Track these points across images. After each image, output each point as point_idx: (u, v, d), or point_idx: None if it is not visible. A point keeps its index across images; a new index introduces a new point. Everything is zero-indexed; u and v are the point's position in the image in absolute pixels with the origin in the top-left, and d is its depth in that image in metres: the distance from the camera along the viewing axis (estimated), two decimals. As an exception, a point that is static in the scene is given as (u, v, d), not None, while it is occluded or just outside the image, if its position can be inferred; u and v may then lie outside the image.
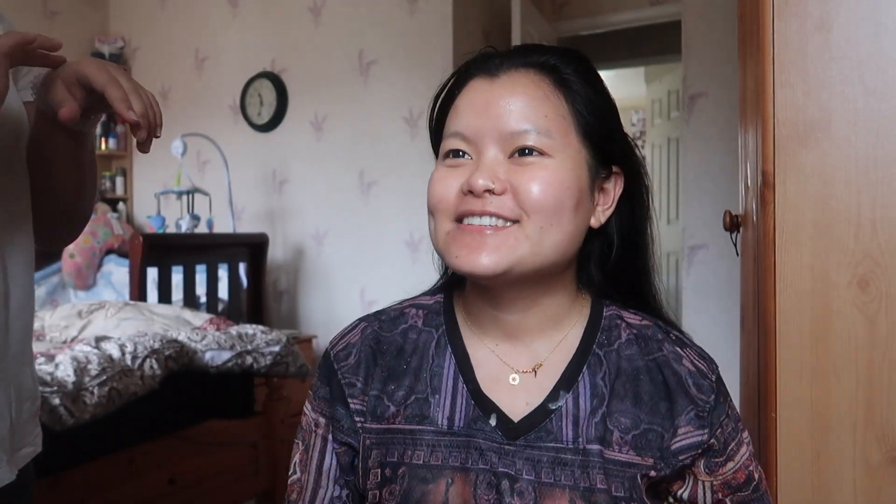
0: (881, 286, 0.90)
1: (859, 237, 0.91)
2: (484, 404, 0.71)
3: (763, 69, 0.95)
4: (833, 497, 0.93)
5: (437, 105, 0.77)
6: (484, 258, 0.66)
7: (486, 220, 0.67)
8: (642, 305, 0.77)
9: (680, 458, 0.68)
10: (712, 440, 0.69)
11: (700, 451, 0.69)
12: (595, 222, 0.73)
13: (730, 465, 0.71)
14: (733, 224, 1.43)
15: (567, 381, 0.71)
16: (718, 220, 1.50)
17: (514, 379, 0.72)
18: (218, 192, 3.55)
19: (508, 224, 0.67)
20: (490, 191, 0.66)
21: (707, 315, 2.98)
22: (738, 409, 0.73)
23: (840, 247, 0.92)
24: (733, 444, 0.71)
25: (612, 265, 0.76)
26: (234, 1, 3.72)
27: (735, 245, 1.52)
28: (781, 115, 0.94)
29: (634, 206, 0.76)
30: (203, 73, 3.84)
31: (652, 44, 4.36)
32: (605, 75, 5.98)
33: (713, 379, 0.71)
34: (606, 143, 0.72)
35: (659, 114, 4.76)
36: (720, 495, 0.71)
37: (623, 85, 6.34)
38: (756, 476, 0.72)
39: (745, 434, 0.72)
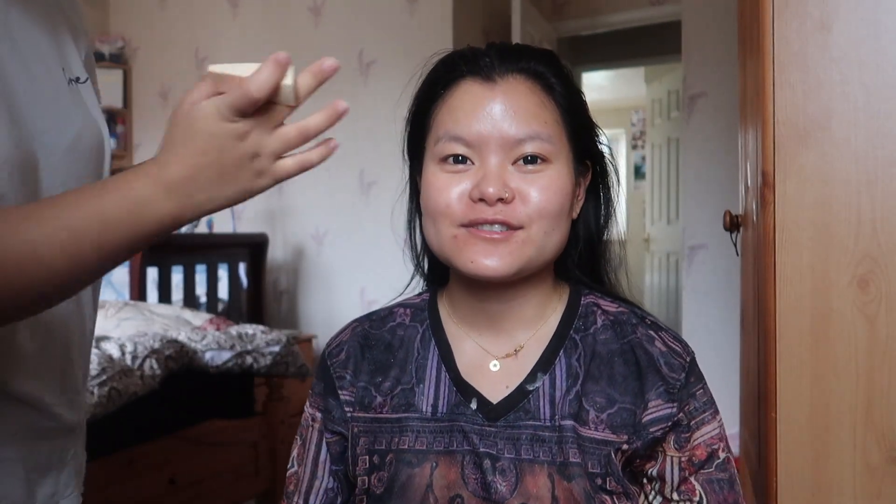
0: (881, 286, 0.90)
1: (859, 237, 0.91)
2: (465, 390, 0.74)
3: (763, 69, 0.95)
4: (833, 497, 0.93)
5: (418, 103, 0.78)
6: (496, 263, 0.69)
7: (496, 227, 0.70)
8: (601, 285, 0.82)
9: (651, 430, 0.71)
10: (681, 414, 0.72)
11: (670, 424, 0.71)
12: (574, 214, 0.77)
13: (693, 440, 0.73)
14: (733, 224, 1.43)
15: (544, 363, 0.74)
16: (718, 220, 1.50)
17: (494, 365, 0.76)
18: (218, 192, 3.55)
19: (515, 230, 0.70)
20: (501, 199, 0.69)
21: (707, 315, 2.98)
22: (733, 404, 0.72)
23: (840, 247, 0.92)
24: (697, 419, 0.73)
25: (580, 253, 0.80)
26: (234, 1, 3.72)
27: (735, 245, 1.53)
28: (781, 115, 0.94)
29: (600, 196, 0.81)
30: (203, 73, 3.84)
31: (652, 44, 4.36)
32: (605, 75, 6.00)
33: (686, 360, 0.74)
34: (584, 141, 0.77)
35: (659, 114, 4.76)
36: (686, 472, 0.72)
37: (623, 85, 6.34)
38: (721, 455, 0.73)
39: (717, 418, 0.74)
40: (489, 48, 0.75)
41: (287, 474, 0.82)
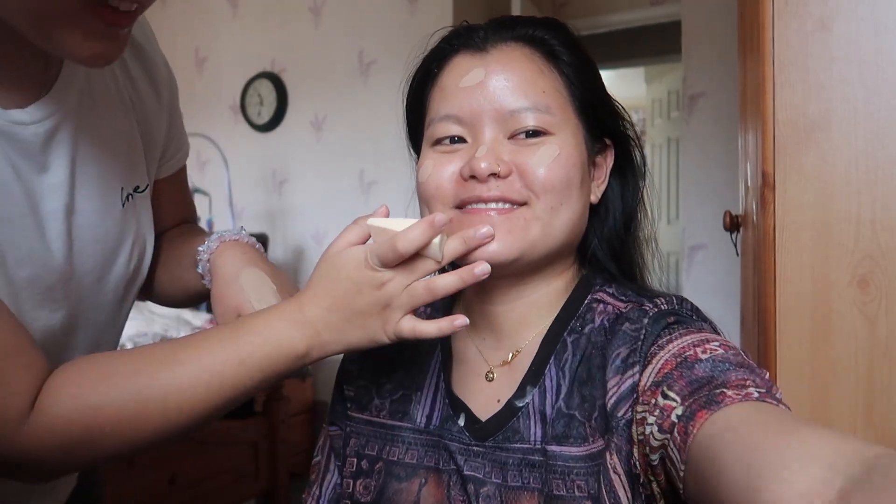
0: (881, 286, 0.90)
1: (859, 237, 0.91)
2: (455, 404, 0.68)
3: (763, 69, 0.95)
4: (833, 497, 0.93)
5: (414, 86, 0.72)
6: (495, 245, 0.61)
7: (492, 204, 0.62)
8: (633, 281, 0.72)
9: (618, 415, 0.57)
10: (644, 375, 0.57)
11: (635, 396, 0.57)
12: (594, 198, 0.69)
13: (648, 370, 0.57)
14: (733, 224, 1.42)
15: (534, 375, 0.65)
16: (718, 220, 1.50)
17: (490, 375, 0.68)
18: (218, 192, 3.55)
19: (516, 207, 0.62)
20: (495, 174, 0.62)
21: (707, 315, 2.98)
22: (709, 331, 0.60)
23: (840, 247, 0.91)
24: (662, 341, 0.58)
25: (607, 242, 0.71)
26: (234, 1, 3.72)
27: (735, 245, 1.52)
28: (781, 115, 0.93)
29: (627, 178, 0.72)
30: (203, 73, 3.84)
31: (652, 44, 4.36)
32: (606, 75, 5.99)
33: (660, 306, 0.61)
34: (599, 115, 0.69)
35: (659, 114, 4.76)
36: (650, 396, 0.55)
37: (623, 85, 6.33)
38: (700, 355, 0.55)
39: (703, 335, 0.58)
40: (487, 22, 0.69)
41: (312, 462, 0.79)
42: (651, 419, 0.54)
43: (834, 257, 0.92)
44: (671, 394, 0.53)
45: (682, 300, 0.65)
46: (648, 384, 0.56)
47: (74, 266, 0.68)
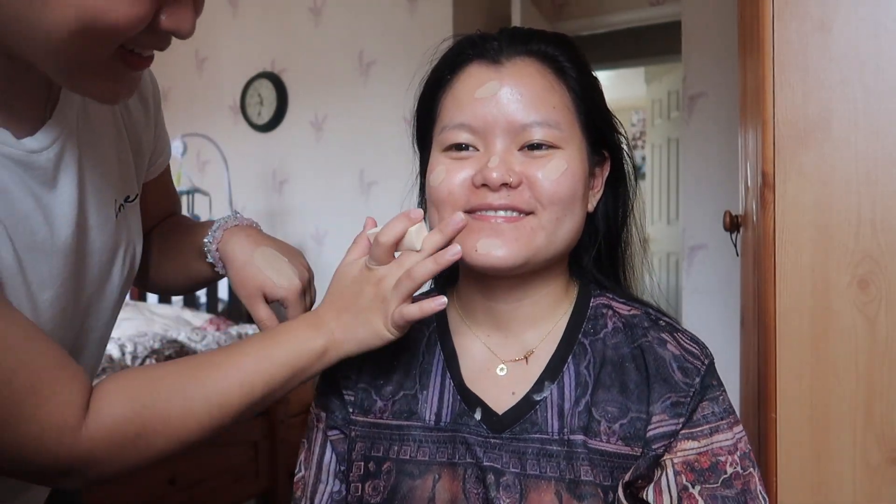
0: (881, 286, 0.90)
1: (859, 237, 0.91)
2: (469, 398, 0.71)
3: (763, 69, 0.95)
4: (833, 497, 0.93)
5: (426, 90, 0.75)
6: (502, 251, 0.66)
7: (501, 212, 0.66)
8: (619, 285, 0.79)
9: (653, 446, 0.66)
10: (690, 424, 0.67)
11: (671, 441, 0.66)
12: (590, 207, 0.74)
13: (691, 443, 0.66)
14: (733, 224, 1.43)
15: (552, 371, 0.70)
16: (718, 220, 1.50)
17: (501, 370, 0.72)
18: (218, 192, 3.55)
19: (523, 215, 0.67)
20: (506, 184, 0.66)
21: (707, 315, 2.98)
22: (733, 405, 0.69)
23: (840, 247, 0.92)
24: (706, 427, 0.67)
25: (598, 249, 0.77)
26: (234, 1, 3.72)
27: (735, 245, 1.53)
28: (781, 115, 0.93)
29: (619, 189, 0.77)
30: (203, 73, 3.84)
31: (652, 44, 4.36)
32: (606, 75, 5.96)
33: (704, 363, 0.69)
34: (600, 130, 0.73)
35: (659, 114, 4.76)
36: (684, 478, 0.65)
37: (623, 85, 6.33)
38: (728, 470, 0.65)
39: (735, 430, 0.68)
40: (500, 32, 0.72)
41: (294, 479, 0.79)
42: (671, 475, 0.66)
43: (834, 257, 0.92)
44: (700, 501, 0.65)
45: (708, 350, 0.72)
46: (687, 459, 0.66)
47: (79, 280, 0.70)
